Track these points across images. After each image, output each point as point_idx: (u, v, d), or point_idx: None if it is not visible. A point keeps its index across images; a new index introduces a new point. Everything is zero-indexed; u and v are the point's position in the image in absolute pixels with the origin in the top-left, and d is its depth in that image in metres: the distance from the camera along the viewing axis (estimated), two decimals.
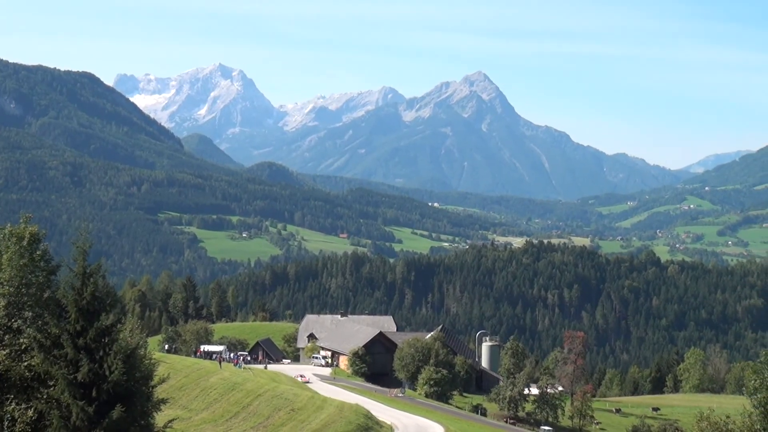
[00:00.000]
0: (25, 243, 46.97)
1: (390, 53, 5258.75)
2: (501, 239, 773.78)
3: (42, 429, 42.34)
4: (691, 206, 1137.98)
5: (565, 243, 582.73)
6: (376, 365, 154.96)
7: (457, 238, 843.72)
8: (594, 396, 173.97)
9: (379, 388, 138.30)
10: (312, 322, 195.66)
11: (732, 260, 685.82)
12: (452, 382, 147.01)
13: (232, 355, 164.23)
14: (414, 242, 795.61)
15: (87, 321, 43.39)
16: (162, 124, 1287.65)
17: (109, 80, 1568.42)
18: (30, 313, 46.14)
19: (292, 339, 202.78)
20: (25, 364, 43.66)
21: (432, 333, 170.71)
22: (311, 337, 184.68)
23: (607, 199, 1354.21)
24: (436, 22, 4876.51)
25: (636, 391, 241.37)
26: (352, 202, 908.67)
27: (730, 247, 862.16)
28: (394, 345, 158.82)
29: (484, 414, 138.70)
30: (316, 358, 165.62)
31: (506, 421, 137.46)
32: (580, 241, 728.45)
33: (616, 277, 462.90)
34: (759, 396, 49.32)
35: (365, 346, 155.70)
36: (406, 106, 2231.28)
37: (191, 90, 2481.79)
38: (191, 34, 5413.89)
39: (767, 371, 49.20)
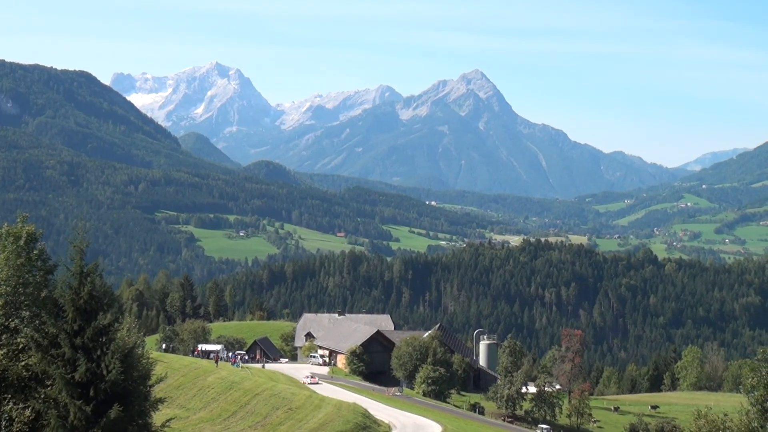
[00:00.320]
0: (22, 242, 46.91)
1: (387, 52, 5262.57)
2: (498, 237, 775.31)
3: (40, 428, 42.29)
4: (689, 204, 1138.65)
5: (562, 241, 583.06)
6: (373, 364, 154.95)
7: (454, 237, 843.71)
8: (591, 394, 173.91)
9: (376, 386, 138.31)
10: (309, 321, 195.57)
11: (729, 258, 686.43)
12: (450, 380, 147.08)
13: (230, 354, 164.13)
14: (411, 241, 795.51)
15: (84, 320, 43.33)
16: (159, 123, 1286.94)
17: (105, 79, 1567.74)
18: (27, 313, 46.08)
19: (289, 338, 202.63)
20: (23, 363, 43.60)
21: (429, 331, 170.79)
22: (309, 336, 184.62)
23: (604, 197, 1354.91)
24: (433, 21, 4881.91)
25: (634, 389, 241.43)
26: (349, 200, 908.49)
27: (727, 244, 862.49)
28: (392, 344, 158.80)
29: (481, 412, 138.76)
30: (314, 357, 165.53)
31: (504, 420, 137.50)
32: (577, 239, 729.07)
33: (614, 275, 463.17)
34: (756, 394, 49.31)
35: (363, 344, 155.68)
36: (403, 104, 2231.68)
37: (188, 89, 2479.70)
38: (188, 33, 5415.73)
39: (764, 369, 49.19)
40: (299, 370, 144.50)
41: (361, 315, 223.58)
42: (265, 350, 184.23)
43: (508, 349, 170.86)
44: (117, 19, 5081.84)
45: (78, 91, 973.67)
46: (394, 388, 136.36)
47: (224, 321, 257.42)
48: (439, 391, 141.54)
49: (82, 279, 43.70)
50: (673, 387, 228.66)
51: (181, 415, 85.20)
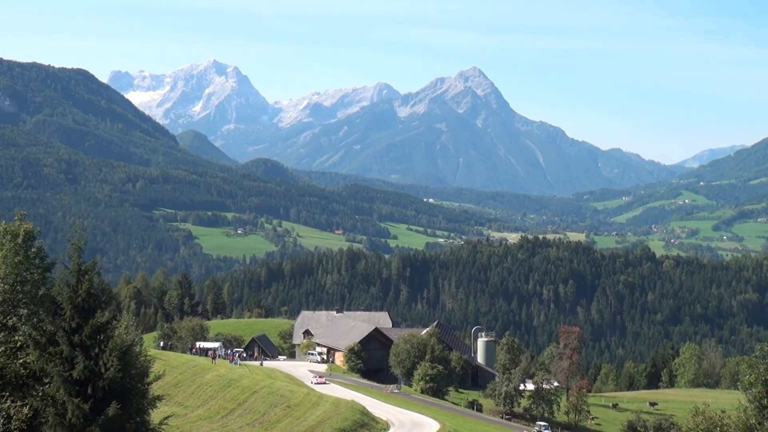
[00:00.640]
0: (20, 240, 46.96)
1: (385, 49, 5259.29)
2: (496, 235, 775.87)
3: (38, 426, 42.30)
4: (686, 201, 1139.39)
5: (560, 238, 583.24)
6: (371, 361, 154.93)
7: (452, 234, 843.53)
8: (589, 391, 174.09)
9: (374, 384, 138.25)
10: (307, 319, 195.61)
11: (727, 255, 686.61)
12: (448, 378, 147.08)
13: (228, 351, 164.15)
14: (409, 238, 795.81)
15: (82, 318, 43.33)
16: (157, 120, 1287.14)
17: (103, 77, 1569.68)
18: (25, 311, 46.13)
19: (287, 335, 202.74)
20: (21, 361, 43.62)
21: (427, 329, 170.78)
22: (307, 333, 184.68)
23: (602, 194, 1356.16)
24: (431, 18, 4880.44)
25: (631, 386, 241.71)
26: (347, 198, 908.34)
27: (724, 241, 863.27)
28: (390, 341, 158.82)
29: (479, 410, 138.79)
30: (312, 354, 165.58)
31: (502, 417, 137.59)
32: (575, 236, 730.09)
33: (612, 273, 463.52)
34: (754, 391, 49.34)
35: (361, 342, 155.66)
36: (401, 101, 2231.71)
37: (186, 87, 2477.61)
38: (186, 31, 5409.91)
39: (762, 366, 49.24)
40: (297, 368, 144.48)
41: (359, 312, 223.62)
42: (263, 348, 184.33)
43: (506, 347, 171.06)
44: (115, 17, 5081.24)
45: (76, 89, 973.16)
46: (392, 386, 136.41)
47: (222, 318, 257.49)
48: (437, 388, 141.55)
49: (80, 277, 43.70)
50: (671, 384, 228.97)
51: (179, 412, 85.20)
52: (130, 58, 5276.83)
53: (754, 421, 48.94)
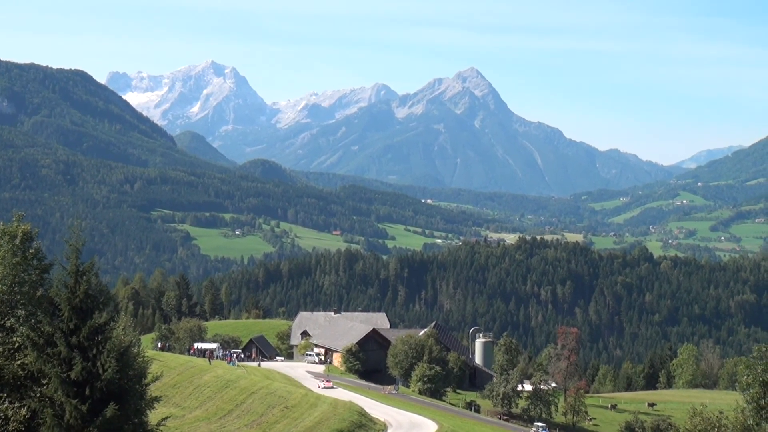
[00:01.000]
0: (17, 241, 46.97)
1: (382, 49, 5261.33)
2: (494, 235, 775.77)
3: (35, 427, 42.27)
4: (684, 202, 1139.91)
5: (558, 239, 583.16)
6: (369, 362, 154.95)
7: (450, 235, 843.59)
8: (587, 392, 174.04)
9: (372, 385, 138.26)
10: (305, 320, 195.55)
11: (725, 256, 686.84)
12: (446, 378, 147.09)
13: (226, 352, 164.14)
14: (407, 239, 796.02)
15: (80, 319, 43.32)
16: (155, 121, 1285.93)
17: (101, 78, 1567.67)
18: (23, 312, 46.12)
19: (285, 336, 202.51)
20: (19, 362, 43.60)
21: (425, 330, 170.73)
22: (305, 334, 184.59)
23: (599, 194, 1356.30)
24: (428, 18, 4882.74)
25: (629, 387, 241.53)
26: (345, 199, 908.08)
27: (722, 242, 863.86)
28: (388, 342, 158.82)
29: (477, 410, 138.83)
30: (310, 355, 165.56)
31: (500, 418, 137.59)
32: (572, 237, 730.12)
33: (609, 273, 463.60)
34: (752, 391, 49.48)
35: (359, 343, 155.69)
36: (398, 102, 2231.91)
37: (184, 87, 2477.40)
38: (184, 32, 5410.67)
39: (760, 366, 49.34)
40: (295, 369, 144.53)
41: (356, 313, 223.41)
42: (261, 349, 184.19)
43: (504, 347, 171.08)
44: (112, 17, 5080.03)
45: (74, 89, 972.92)
46: (389, 387, 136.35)
47: (220, 319, 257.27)
48: (434, 389, 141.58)
49: (78, 278, 43.69)
50: (669, 385, 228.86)
51: (177, 413, 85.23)
52: (128, 58, 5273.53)
53: (751, 422, 49.06)
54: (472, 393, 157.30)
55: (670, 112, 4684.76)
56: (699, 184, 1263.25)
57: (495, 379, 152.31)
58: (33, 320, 44.73)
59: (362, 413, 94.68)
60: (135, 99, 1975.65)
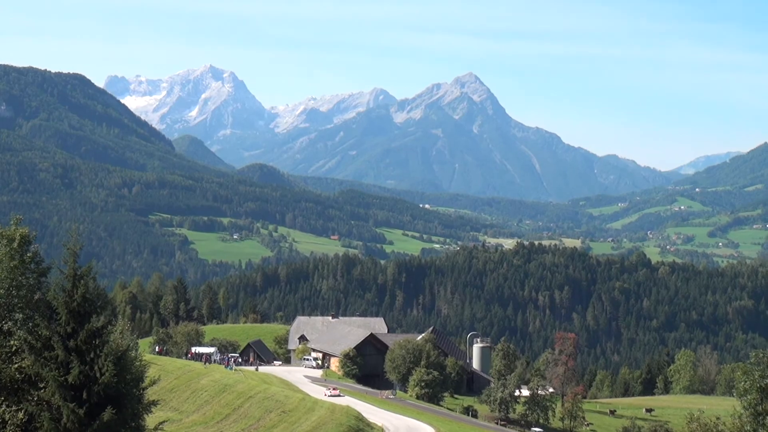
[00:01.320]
0: (15, 245, 46.94)
1: (381, 54, 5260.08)
2: (492, 241, 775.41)
3: (33, 431, 42.25)
4: (682, 207, 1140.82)
5: (555, 244, 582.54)
6: (367, 367, 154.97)
7: (448, 240, 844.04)
8: (585, 397, 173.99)
9: (370, 389, 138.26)
10: (303, 324, 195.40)
11: (722, 261, 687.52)
12: (443, 383, 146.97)
13: (223, 356, 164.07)
14: (405, 244, 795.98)
15: (78, 323, 43.29)
16: (153, 125, 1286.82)
17: (99, 82, 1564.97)
18: (20, 315, 46.09)
19: (283, 341, 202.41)
20: (16, 366, 43.55)
21: (423, 335, 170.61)
22: (302, 338, 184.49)
23: (597, 200, 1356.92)
24: (426, 24, 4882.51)
25: (627, 392, 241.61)
26: (343, 203, 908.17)
27: (720, 248, 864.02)
28: (385, 347, 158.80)
29: (475, 416, 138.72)
30: (307, 359, 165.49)
31: (497, 423, 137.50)
32: (570, 242, 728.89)
33: (607, 279, 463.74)
34: (749, 397, 49.49)
35: (356, 347, 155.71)
36: (397, 107, 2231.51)
37: (182, 92, 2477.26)
38: (182, 36, 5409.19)
39: (757, 372, 49.36)
40: (293, 373, 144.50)
41: (354, 318, 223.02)
42: (258, 353, 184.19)
43: (502, 352, 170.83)
44: (111, 21, 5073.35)
45: (72, 93, 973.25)
46: (387, 391, 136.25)
47: (218, 324, 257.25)
48: (432, 394, 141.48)
49: (76, 281, 43.65)
50: (666, 390, 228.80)
51: (174, 417, 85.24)
52: (127, 62, 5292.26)
53: (749, 428, 49.09)
54: (470, 398, 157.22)
55: (669, 117, 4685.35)
56: (697, 189, 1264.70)
57: (492, 384, 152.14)
58: (30, 324, 44.70)
59: (359, 418, 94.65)
60: (133, 103, 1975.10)
